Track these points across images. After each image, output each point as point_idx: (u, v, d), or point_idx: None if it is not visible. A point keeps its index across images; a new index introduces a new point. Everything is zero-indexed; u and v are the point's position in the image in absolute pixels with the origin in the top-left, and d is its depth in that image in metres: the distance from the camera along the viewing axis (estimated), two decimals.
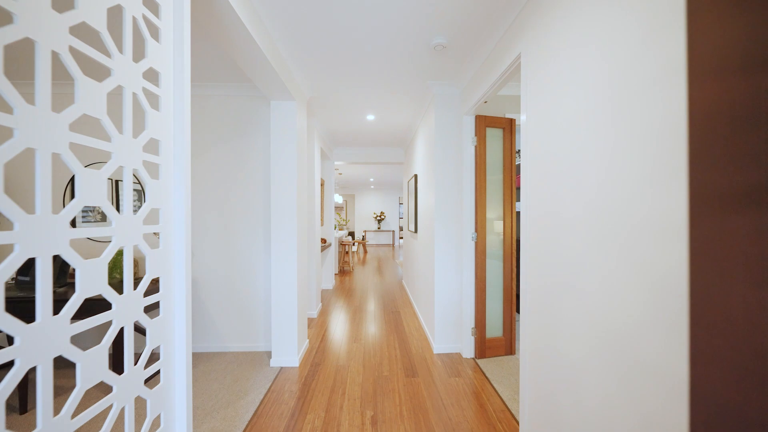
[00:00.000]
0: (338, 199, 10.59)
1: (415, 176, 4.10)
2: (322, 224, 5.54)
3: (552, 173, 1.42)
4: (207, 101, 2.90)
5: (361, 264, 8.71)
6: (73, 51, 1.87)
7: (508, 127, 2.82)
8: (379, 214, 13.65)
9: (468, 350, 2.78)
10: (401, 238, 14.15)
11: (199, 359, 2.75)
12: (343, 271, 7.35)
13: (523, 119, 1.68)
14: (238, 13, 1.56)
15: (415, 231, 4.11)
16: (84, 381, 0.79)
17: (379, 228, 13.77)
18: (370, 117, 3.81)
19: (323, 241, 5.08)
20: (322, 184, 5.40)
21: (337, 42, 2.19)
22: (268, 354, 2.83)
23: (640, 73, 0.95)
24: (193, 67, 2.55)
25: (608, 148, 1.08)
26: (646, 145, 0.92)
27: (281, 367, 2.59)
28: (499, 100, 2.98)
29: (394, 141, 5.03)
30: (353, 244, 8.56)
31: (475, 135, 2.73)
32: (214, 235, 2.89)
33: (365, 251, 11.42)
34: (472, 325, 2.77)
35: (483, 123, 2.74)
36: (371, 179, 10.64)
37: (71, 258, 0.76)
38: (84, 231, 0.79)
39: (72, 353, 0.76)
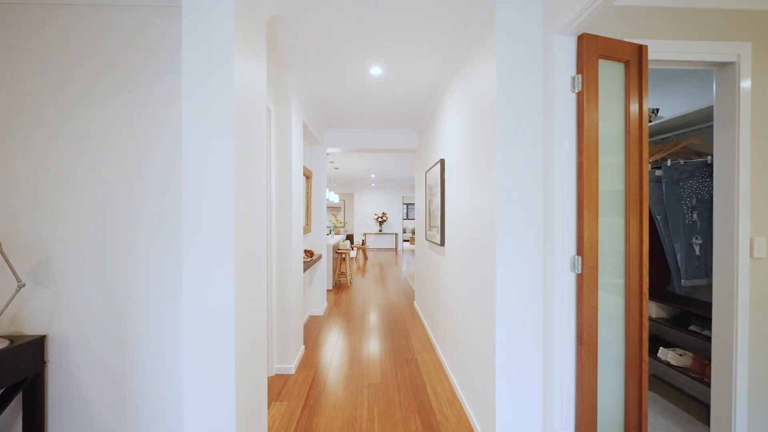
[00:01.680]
0: (335, 198, 9.29)
1: (442, 162, 2.79)
2: (309, 230, 4.23)
3: None
4: (74, 19, 1.57)
5: (361, 273, 7.42)
6: None
7: (635, 59, 1.51)
8: (380, 215, 12.35)
9: None
10: (405, 241, 12.86)
11: None
12: (339, 285, 6.04)
13: None
14: None
15: (441, 243, 2.81)
16: None
17: (380, 230, 12.47)
18: (376, 70, 2.51)
19: (309, 254, 3.77)
20: (308, 177, 4.08)
21: None
22: None
23: None
24: None
25: None
26: None
27: None
28: (611, 18, 1.67)
29: (406, 117, 3.72)
30: (352, 250, 7.27)
31: (579, 72, 1.44)
32: (91, 262, 1.59)
33: (365, 257, 10.13)
34: (572, 420, 1.48)
35: (594, 49, 1.44)
36: (372, 175, 9.34)
37: None
38: None
39: None
